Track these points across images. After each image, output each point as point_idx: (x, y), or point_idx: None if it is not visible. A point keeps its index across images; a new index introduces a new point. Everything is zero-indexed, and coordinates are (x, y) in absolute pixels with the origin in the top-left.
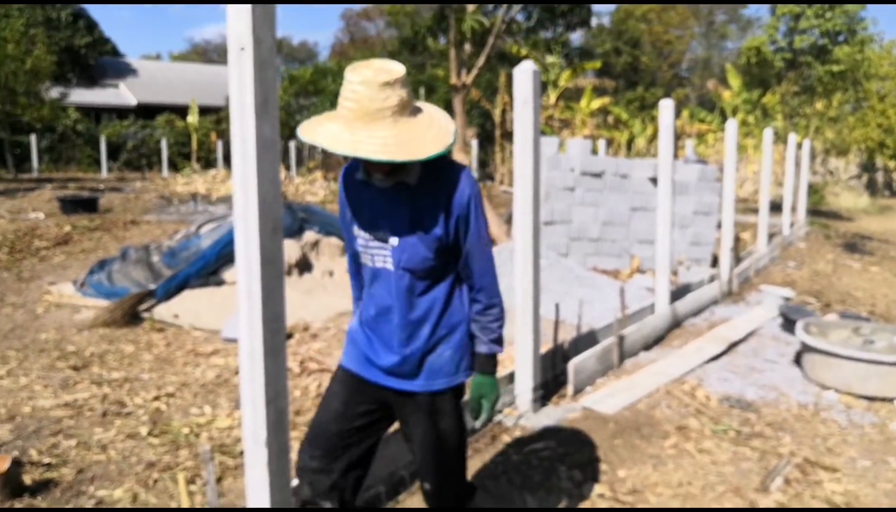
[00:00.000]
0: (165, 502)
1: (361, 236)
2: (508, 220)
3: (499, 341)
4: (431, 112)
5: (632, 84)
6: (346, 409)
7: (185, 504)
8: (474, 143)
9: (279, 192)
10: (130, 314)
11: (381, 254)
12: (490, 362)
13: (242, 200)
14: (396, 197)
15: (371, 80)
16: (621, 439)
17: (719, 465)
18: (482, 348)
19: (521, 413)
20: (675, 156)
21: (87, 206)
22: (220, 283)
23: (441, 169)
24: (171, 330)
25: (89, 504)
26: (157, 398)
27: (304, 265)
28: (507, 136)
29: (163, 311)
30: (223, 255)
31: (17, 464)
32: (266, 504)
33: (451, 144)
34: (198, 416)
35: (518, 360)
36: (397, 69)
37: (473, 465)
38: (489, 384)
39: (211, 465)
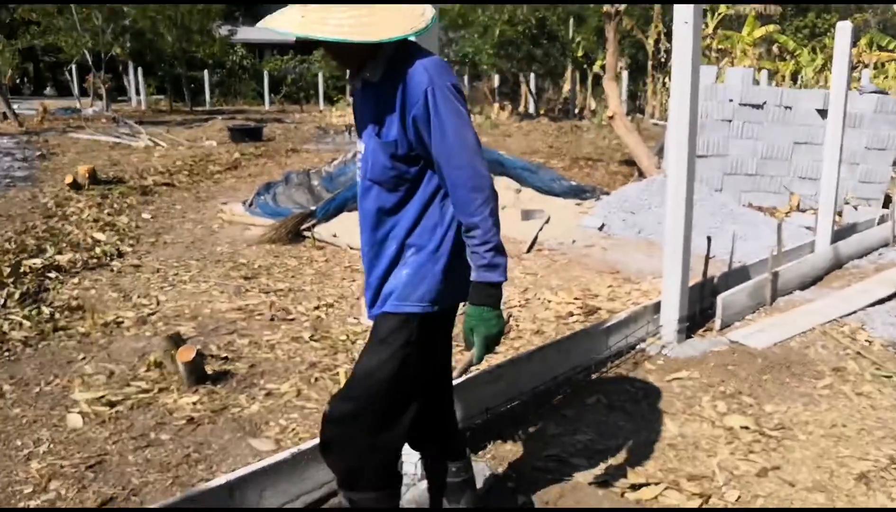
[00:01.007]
0: (325, 398)
1: (358, 148)
2: (659, 153)
3: (491, 267)
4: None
5: (801, 10)
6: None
7: None
8: (625, 74)
9: None
10: (293, 232)
11: (359, 165)
12: (481, 292)
13: None
14: (364, 98)
15: None
16: (770, 375)
17: (879, 410)
18: (472, 276)
19: (666, 343)
20: (849, 88)
21: (252, 135)
22: None
23: (404, 61)
24: (329, 248)
25: (260, 395)
26: (317, 308)
27: None
28: (660, 67)
29: (322, 230)
30: None
31: (200, 355)
32: None
33: (418, 30)
34: (354, 325)
35: (665, 290)
36: None
37: (611, 387)
38: (477, 316)
39: None
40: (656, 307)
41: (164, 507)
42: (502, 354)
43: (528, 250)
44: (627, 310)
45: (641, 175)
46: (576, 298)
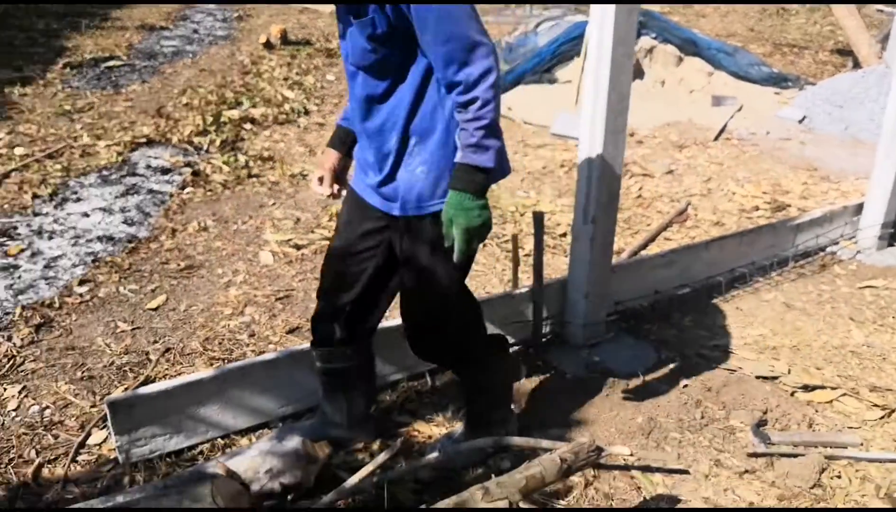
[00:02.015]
0: (492, 264)
1: None
2: (883, 41)
3: (480, 149)
4: None
5: None
6: (349, 230)
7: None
8: None
9: None
10: None
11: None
12: (464, 176)
13: None
14: None
15: None
16: None
17: None
18: (457, 156)
19: (862, 248)
20: None
21: None
22: (553, 81)
23: None
24: (503, 121)
25: None
26: None
27: (636, 71)
28: None
29: None
30: (558, 53)
31: None
32: (585, 278)
33: None
34: (523, 198)
35: (870, 191)
36: None
37: (792, 287)
38: (457, 204)
39: (541, 228)
40: (857, 209)
41: None
42: (676, 240)
43: (716, 138)
44: (822, 208)
45: (857, 65)
46: (763, 192)
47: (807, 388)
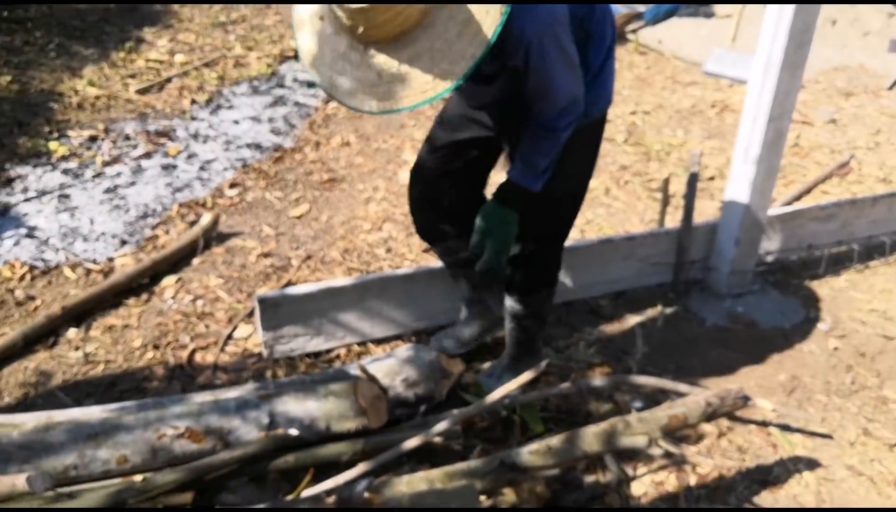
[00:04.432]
0: (633, 203)
1: None
2: None
3: (537, 176)
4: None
5: None
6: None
7: (649, 206)
8: None
9: None
10: (618, 34)
11: None
12: (513, 194)
13: None
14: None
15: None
16: None
17: None
18: (513, 174)
19: None
20: None
21: None
22: (710, 15)
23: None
24: (652, 54)
25: None
26: (633, 113)
27: None
28: None
29: (648, 35)
30: None
31: None
32: (738, 224)
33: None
34: (670, 137)
35: None
36: None
37: None
38: (499, 218)
39: (697, 167)
40: None
41: None
42: (835, 195)
43: (890, 87)
44: None
45: None
46: None
47: None
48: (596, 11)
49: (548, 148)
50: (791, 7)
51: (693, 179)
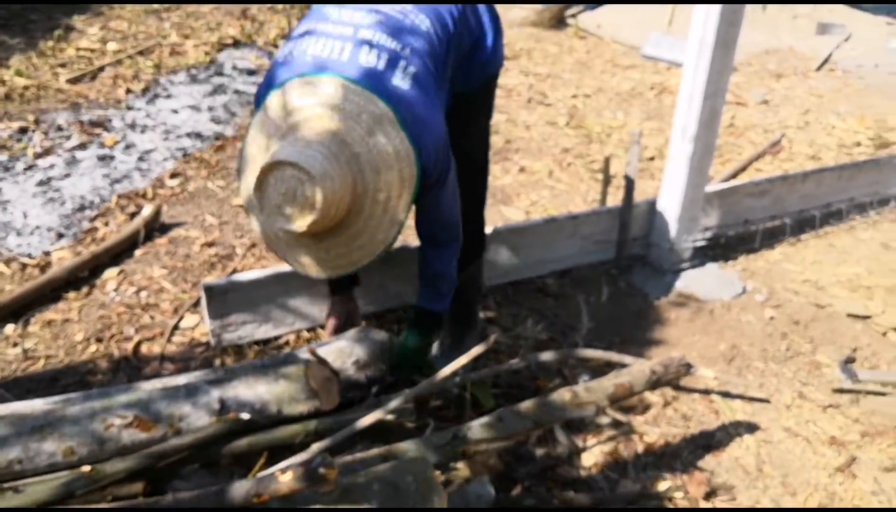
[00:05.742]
0: (575, 184)
1: None
2: None
3: (441, 298)
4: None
5: None
6: None
7: (591, 186)
8: None
9: None
10: (557, 18)
11: None
12: (426, 320)
13: None
14: None
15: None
16: None
17: None
18: (421, 302)
19: None
20: None
21: None
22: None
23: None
24: (591, 39)
25: (514, 169)
26: (574, 96)
27: None
28: None
29: (587, 20)
30: None
31: None
32: (677, 201)
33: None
34: (610, 119)
35: None
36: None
37: (894, 228)
38: (417, 349)
39: (637, 146)
40: None
41: None
42: (768, 172)
43: (818, 68)
44: None
45: None
46: (867, 128)
47: None
48: (469, 20)
49: (440, 274)
50: None
51: (634, 157)
